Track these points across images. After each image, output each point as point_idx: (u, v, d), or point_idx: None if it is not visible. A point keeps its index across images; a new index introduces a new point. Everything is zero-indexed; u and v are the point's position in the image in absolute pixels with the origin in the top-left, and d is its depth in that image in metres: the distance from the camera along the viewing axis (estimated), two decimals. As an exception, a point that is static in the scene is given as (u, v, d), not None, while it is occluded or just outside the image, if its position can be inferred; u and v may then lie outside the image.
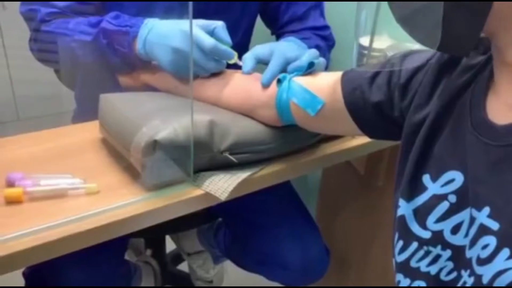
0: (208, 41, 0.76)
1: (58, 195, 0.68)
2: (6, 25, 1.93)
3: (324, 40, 1.04)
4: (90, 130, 0.84)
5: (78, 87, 1.07)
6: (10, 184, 0.68)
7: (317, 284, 1.09)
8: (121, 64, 0.86)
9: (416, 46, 1.00)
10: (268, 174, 0.79)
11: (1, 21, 1.92)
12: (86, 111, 0.98)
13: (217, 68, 0.81)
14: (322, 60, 0.79)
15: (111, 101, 0.80)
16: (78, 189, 0.69)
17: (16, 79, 2.02)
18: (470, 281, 0.53)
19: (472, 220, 0.52)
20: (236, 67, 0.83)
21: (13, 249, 0.59)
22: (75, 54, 0.88)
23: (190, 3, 0.62)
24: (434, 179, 0.57)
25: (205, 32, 0.77)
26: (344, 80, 0.69)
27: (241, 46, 1.08)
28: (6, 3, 1.89)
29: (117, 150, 0.77)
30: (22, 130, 0.83)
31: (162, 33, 0.79)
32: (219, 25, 0.79)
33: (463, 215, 0.54)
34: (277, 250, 1.02)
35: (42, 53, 0.91)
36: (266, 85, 0.77)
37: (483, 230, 0.50)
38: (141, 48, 0.81)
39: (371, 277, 1.28)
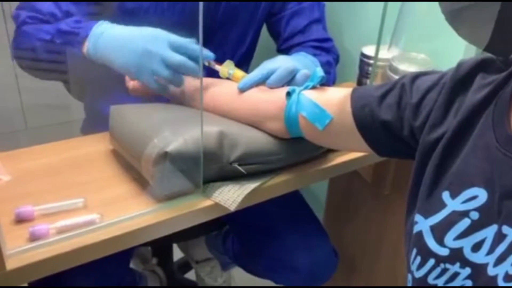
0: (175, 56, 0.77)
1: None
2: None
3: (327, 52, 1.05)
4: (100, 141, 0.85)
5: (87, 98, 1.09)
6: (20, 220, 0.67)
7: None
8: (73, 65, 0.87)
9: (421, 55, 1.02)
10: (276, 184, 0.79)
11: (10, 32, 1.95)
12: (95, 121, 0.98)
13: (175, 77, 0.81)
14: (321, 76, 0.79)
15: (121, 112, 0.81)
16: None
17: (24, 88, 2.04)
18: None
19: (502, 236, 0.51)
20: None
21: (27, 261, 0.60)
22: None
23: (201, 2, 0.62)
24: (454, 196, 0.56)
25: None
26: (354, 96, 0.69)
27: (247, 56, 1.10)
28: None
29: (127, 161, 0.78)
30: (30, 139, 0.84)
31: (116, 37, 0.81)
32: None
33: (486, 232, 0.53)
34: (286, 255, 1.03)
35: (16, 51, 0.93)
36: (241, 90, 0.81)
37: None
38: (91, 47, 0.81)
39: (378, 284, 1.28)
